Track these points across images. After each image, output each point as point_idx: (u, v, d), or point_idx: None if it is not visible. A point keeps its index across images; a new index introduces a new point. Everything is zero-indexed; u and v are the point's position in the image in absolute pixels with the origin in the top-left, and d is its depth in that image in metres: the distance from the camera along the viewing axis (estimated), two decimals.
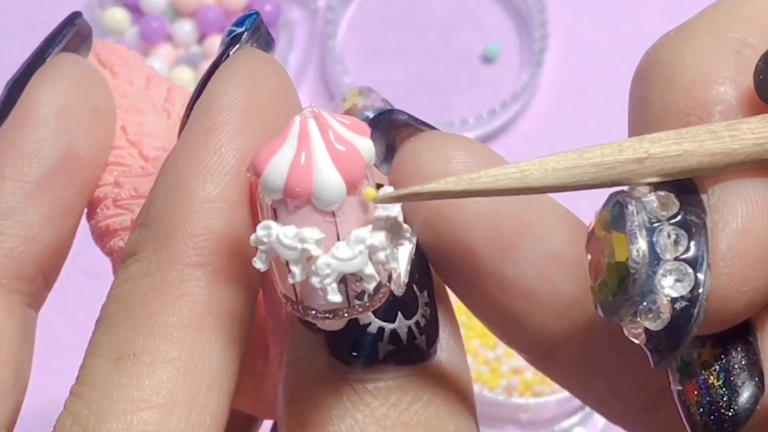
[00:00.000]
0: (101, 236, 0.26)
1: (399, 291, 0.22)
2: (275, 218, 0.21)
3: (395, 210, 0.21)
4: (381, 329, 0.22)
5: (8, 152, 0.24)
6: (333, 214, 0.20)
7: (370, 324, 0.22)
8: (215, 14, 0.61)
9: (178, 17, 0.62)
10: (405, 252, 0.22)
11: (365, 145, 0.21)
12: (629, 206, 0.20)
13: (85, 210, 0.26)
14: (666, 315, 0.20)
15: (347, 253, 0.20)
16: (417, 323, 0.22)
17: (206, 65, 0.30)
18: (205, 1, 0.62)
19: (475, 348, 0.54)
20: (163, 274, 0.22)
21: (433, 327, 0.23)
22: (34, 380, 0.25)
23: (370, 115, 0.25)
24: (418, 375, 0.22)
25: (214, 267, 0.22)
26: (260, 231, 0.20)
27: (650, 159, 0.20)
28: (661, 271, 0.20)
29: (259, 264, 0.21)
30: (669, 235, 0.20)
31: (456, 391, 0.23)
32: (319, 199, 0.20)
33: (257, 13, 0.25)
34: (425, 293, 0.23)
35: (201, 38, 0.62)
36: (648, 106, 0.22)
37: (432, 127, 0.24)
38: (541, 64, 0.61)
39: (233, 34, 0.24)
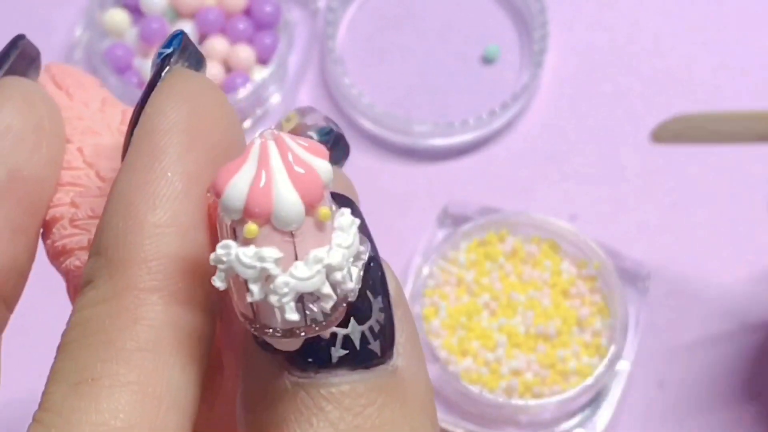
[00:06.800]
0: (57, 256, 0.26)
1: (351, 297, 0.22)
2: (235, 238, 0.21)
3: (352, 231, 0.21)
4: (334, 334, 0.22)
5: None
6: (291, 234, 0.21)
7: None
8: (215, 15, 0.61)
9: (179, 18, 0.62)
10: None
11: (323, 167, 0.21)
12: None
13: (41, 230, 0.26)
14: None
15: (305, 272, 0.20)
16: (371, 328, 0.22)
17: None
18: (206, 1, 0.62)
19: (475, 349, 0.54)
20: (119, 299, 0.22)
21: (388, 332, 0.23)
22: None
23: (314, 135, 0.25)
24: (372, 379, 0.22)
25: (169, 290, 0.22)
26: (220, 250, 0.21)
27: None
28: None
29: (218, 283, 0.21)
30: None
31: (413, 395, 0.23)
32: (278, 219, 0.20)
33: (182, 32, 0.25)
34: (379, 299, 0.23)
35: (201, 39, 0.62)
36: None
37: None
38: (542, 64, 0.61)
39: (163, 55, 0.24)
